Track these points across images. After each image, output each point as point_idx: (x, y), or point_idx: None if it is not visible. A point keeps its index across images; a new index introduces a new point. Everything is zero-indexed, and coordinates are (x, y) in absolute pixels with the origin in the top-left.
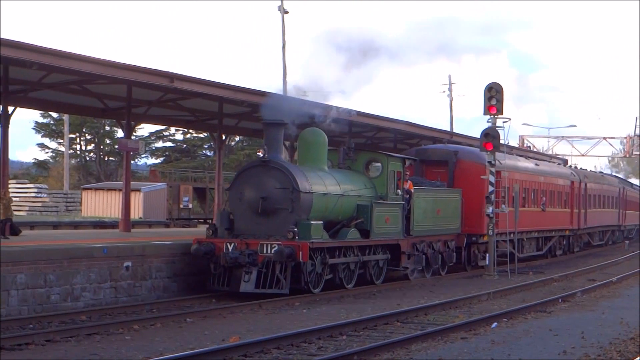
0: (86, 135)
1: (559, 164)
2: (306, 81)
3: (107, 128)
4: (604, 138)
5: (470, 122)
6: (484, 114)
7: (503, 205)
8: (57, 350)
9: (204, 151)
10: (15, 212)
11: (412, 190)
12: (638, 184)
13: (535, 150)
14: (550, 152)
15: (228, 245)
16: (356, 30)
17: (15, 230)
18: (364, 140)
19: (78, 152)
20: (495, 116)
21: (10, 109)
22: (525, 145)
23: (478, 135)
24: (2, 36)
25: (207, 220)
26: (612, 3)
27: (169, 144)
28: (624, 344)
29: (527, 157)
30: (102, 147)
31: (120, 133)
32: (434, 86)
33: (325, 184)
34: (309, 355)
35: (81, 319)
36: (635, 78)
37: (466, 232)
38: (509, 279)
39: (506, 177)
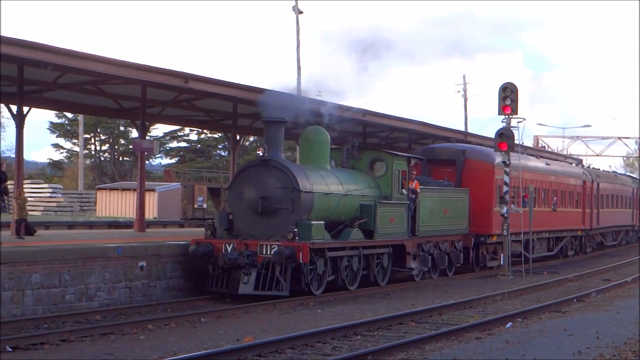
0: (101, 135)
1: (575, 164)
2: (319, 80)
3: (122, 128)
4: (619, 138)
5: (485, 122)
6: (499, 114)
7: (512, 205)
8: (71, 350)
9: (218, 151)
10: (30, 212)
11: (418, 190)
12: None
13: (549, 150)
14: (564, 152)
15: (227, 245)
16: (368, 28)
17: (30, 230)
18: (378, 140)
19: (93, 152)
20: (510, 116)
21: (25, 109)
22: (539, 145)
23: (492, 136)
24: (17, 37)
25: None
26: (627, 3)
27: (183, 144)
28: (639, 344)
29: (538, 157)
30: (116, 147)
31: (134, 133)
32: (448, 86)
33: (327, 184)
34: (323, 355)
35: (96, 318)
36: None
37: (474, 233)
38: (523, 279)
39: (516, 177)
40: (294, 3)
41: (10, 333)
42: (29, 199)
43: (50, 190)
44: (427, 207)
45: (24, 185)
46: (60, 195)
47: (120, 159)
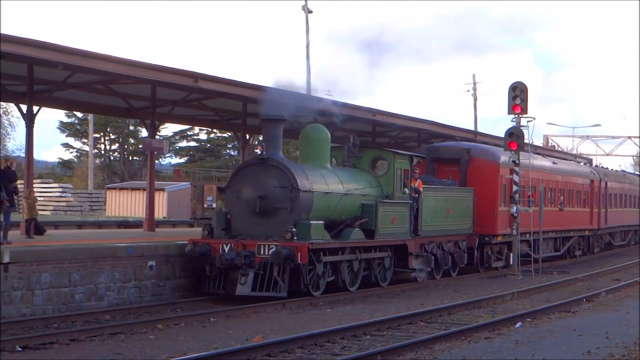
0: (110, 134)
1: (584, 163)
2: (329, 79)
3: (131, 128)
4: (629, 137)
5: (494, 121)
6: (508, 113)
7: (519, 205)
8: (81, 349)
9: (227, 151)
10: (39, 212)
11: (421, 189)
12: None
13: (559, 149)
14: (574, 152)
15: (224, 246)
16: (377, 26)
17: (40, 229)
18: (388, 139)
19: (102, 152)
20: (520, 115)
21: (35, 108)
22: (549, 144)
23: (502, 135)
24: (27, 36)
25: None
26: (636, 2)
27: (193, 143)
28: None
29: (545, 156)
30: (126, 146)
31: (144, 133)
32: (458, 86)
33: (327, 183)
34: (332, 355)
35: (105, 318)
36: None
37: (478, 233)
38: (533, 278)
39: (522, 176)
40: (303, 2)
41: (20, 332)
42: (38, 198)
43: (60, 189)
44: (430, 207)
45: (34, 185)
46: (70, 194)
47: (130, 158)
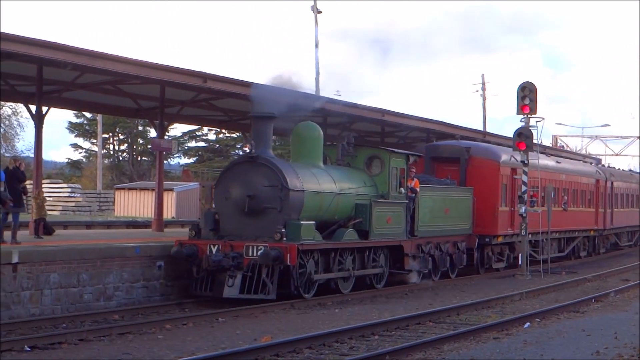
0: (119, 135)
1: (592, 163)
2: (338, 78)
3: (140, 128)
4: (638, 137)
5: (502, 121)
6: (517, 113)
7: (519, 205)
8: (89, 349)
9: (236, 151)
10: (48, 212)
11: (418, 189)
12: None
13: (568, 149)
14: (583, 152)
15: (212, 247)
16: (385, 24)
17: (48, 229)
18: (397, 140)
19: (111, 152)
20: (529, 115)
21: (44, 109)
22: (558, 144)
23: (510, 135)
24: (36, 37)
25: None
26: None
27: (201, 143)
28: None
29: (548, 155)
30: (135, 147)
31: (153, 133)
32: (466, 86)
33: (319, 182)
34: (340, 355)
35: (114, 318)
36: None
37: (478, 233)
38: (541, 279)
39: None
40: (312, 2)
41: (29, 332)
42: (47, 198)
43: (69, 190)
44: (427, 207)
45: (43, 185)
46: (78, 195)
47: (139, 158)
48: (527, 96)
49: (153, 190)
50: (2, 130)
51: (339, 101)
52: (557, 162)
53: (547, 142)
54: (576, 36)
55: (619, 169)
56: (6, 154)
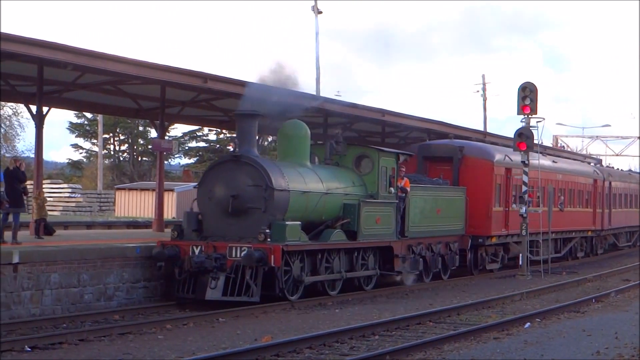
0: (120, 135)
1: (593, 163)
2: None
3: (141, 128)
4: (639, 137)
5: (504, 121)
6: (518, 113)
7: (514, 205)
8: (90, 349)
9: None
10: (49, 212)
11: (408, 189)
12: None
13: (569, 149)
14: (584, 152)
15: (194, 248)
16: (383, 24)
17: (49, 230)
18: (397, 140)
19: (112, 152)
20: (529, 116)
21: (45, 109)
22: (559, 145)
23: (511, 135)
24: (37, 37)
25: None
26: None
27: (202, 144)
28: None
29: (545, 154)
30: (135, 147)
31: (153, 133)
32: (467, 86)
33: (305, 181)
34: (341, 355)
35: (114, 318)
36: None
37: (471, 234)
38: (542, 279)
39: (519, 175)
40: (312, 3)
41: (29, 332)
42: (48, 198)
43: (70, 190)
44: (418, 207)
45: (43, 185)
46: (79, 195)
47: (139, 159)
48: (527, 96)
49: (153, 190)
50: (2, 130)
51: (339, 101)
52: (554, 161)
53: (548, 142)
54: (577, 36)
55: (618, 169)
56: (7, 155)
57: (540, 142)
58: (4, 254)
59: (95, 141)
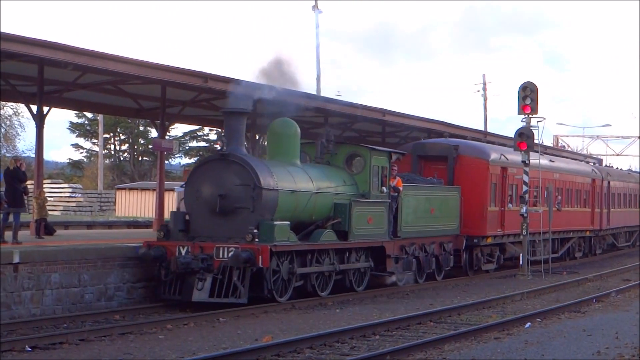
0: (120, 135)
1: (592, 163)
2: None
3: (141, 128)
4: (639, 137)
5: (505, 121)
6: (518, 113)
7: (510, 205)
8: (90, 349)
9: None
10: (49, 212)
11: (401, 188)
12: None
13: (569, 149)
14: (585, 152)
15: (180, 248)
16: (384, 24)
17: (49, 229)
18: (398, 140)
19: (112, 152)
20: (530, 115)
21: (45, 109)
22: (559, 144)
23: (512, 135)
24: (37, 37)
25: None
26: None
27: (202, 143)
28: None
29: (542, 153)
30: (136, 147)
31: (154, 133)
32: (469, 86)
33: (295, 181)
34: (341, 355)
35: (115, 318)
36: None
37: (466, 234)
38: (542, 279)
39: (515, 174)
40: (313, 2)
41: (30, 332)
42: (48, 198)
43: (70, 190)
44: (410, 206)
45: (44, 185)
46: (79, 195)
47: (140, 158)
48: (528, 96)
49: (154, 190)
50: (3, 130)
51: (339, 101)
52: (551, 160)
53: (549, 142)
54: (577, 36)
55: (618, 168)
56: (7, 154)
57: (540, 142)
58: (4, 254)
59: (95, 141)
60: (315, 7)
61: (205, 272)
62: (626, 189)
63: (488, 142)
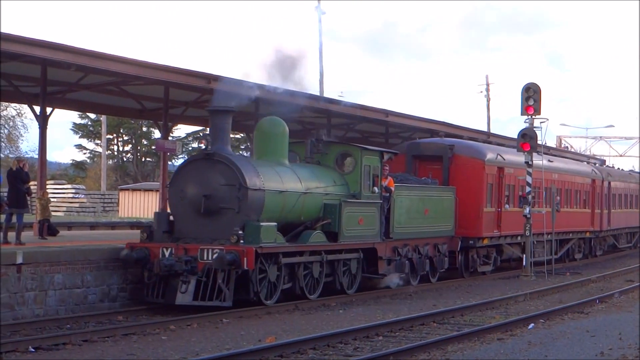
0: (123, 136)
1: (596, 163)
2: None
3: (144, 129)
4: (639, 138)
5: (506, 122)
6: (521, 114)
7: (507, 205)
8: (94, 350)
9: (240, 152)
10: (53, 213)
11: (392, 188)
12: None
13: (572, 150)
14: (588, 153)
15: (164, 250)
16: (386, 24)
17: (53, 230)
18: (401, 140)
19: (115, 153)
20: (533, 116)
21: (48, 110)
22: (562, 145)
23: (514, 136)
24: (40, 38)
25: None
26: None
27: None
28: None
29: (540, 154)
30: (139, 147)
31: (157, 134)
32: (470, 86)
33: (282, 181)
34: (345, 356)
35: (118, 319)
36: None
37: (461, 235)
38: (545, 280)
39: (512, 174)
40: (316, 3)
41: (33, 333)
42: (51, 199)
43: (73, 190)
44: (403, 207)
45: (47, 186)
46: (82, 195)
47: (143, 159)
48: (531, 97)
49: (157, 191)
50: (6, 131)
51: (342, 102)
52: (550, 161)
53: (552, 143)
54: (580, 36)
55: (619, 168)
56: (10, 155)
57: (544, 143)
58: (8, 254)
59: (98, 142)
60: (318, 7)
61: (189, 275)
62: (627, 190)
63: (491, 143)
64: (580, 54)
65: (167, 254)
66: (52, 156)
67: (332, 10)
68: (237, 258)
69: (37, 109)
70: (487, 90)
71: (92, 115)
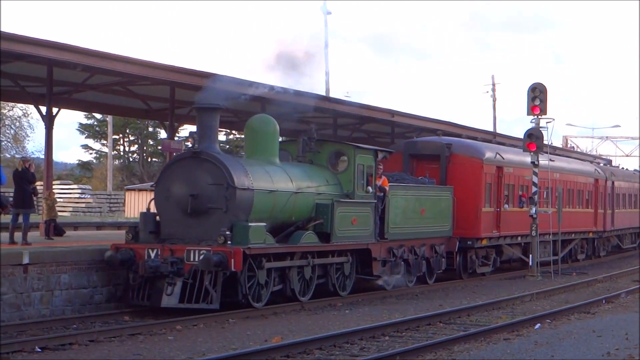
0: (129, 136)
1: (603, 164)
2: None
3: (150, 129)
4: (639, 138)
5: (512, 122)
6: (528, 114)
7: (506, 205)
8: (100, 350)
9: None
10: (59, 213)
11: (387, 187)
12: None
13: (579, 150)
14: (594, 153)
15: (149, 251)
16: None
17: (59, 230)
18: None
19: (121, 153)
20: (539, 116)
21: (55, 110)
22: (569, 145)
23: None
24: (47, 38)
25: None
26: None
27: None
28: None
29: (541, 153)
30: (145, 148)
31: (163, 134)
32: (477, 87)
33: (272, 180)
34: (351, 356)
35: (124, 319)
36: None
37: (459, 236)
38: (552, 280)
39: (511, 174)
40: (322, 3)
41: (39, 333)
42: (58, 199)
43: (79, 191)
44: (399, 207)
45: (53, 186)
46: (89, 196)
47: (149, 159)
48: (537, 97)
49: None
50: (12, 131)
51: (348, 102)
52: (551, 160)
53: (558, 143)
54: (587, 36)
55: (624, 168)
56: (17, 156)
57: (550, 143)
58: (14, 254)
59: (105, 142)
60: (323, 7)
61: (175, 276)
62: (632, 190)
63: (497, 143)
64: (586, 54)
65: (152, 255)
66: (58, 156)
67: (337, 11)
68: (225, 259)
69: (44, 109)
70: (493, 90)
71: (98, 116)
